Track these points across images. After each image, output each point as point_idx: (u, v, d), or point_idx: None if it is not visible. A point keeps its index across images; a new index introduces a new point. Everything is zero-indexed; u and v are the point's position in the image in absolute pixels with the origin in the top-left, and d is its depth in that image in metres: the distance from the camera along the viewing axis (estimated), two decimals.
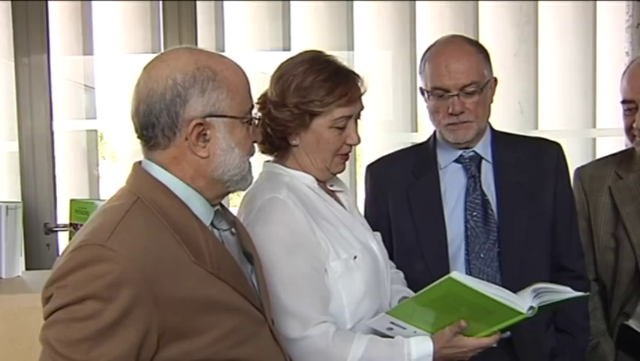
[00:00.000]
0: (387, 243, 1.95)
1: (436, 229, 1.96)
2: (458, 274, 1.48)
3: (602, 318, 2.18)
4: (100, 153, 3.45)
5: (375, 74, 2.94)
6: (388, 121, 3.02)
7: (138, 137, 1.37)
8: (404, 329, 1.64)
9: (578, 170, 2.23)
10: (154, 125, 1.32)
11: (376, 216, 2.01)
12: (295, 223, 1.63)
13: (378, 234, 1.88)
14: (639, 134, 1.96)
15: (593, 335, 2.14)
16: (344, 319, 1.67)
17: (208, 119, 1.32)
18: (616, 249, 2.10)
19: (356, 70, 1.75)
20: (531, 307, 1.52)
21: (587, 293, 1.74)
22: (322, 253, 1.64)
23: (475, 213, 1.94)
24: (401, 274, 1.96)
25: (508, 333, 1.85)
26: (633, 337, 2.09)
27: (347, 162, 1.86)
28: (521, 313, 1.52)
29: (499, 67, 2.12)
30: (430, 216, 1.97)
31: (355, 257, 1.68)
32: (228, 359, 1.31)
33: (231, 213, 1.56)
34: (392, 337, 1.65)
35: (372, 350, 1.61)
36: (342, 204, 1.81)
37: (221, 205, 1.50)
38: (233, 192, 1.44)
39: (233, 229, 1.49)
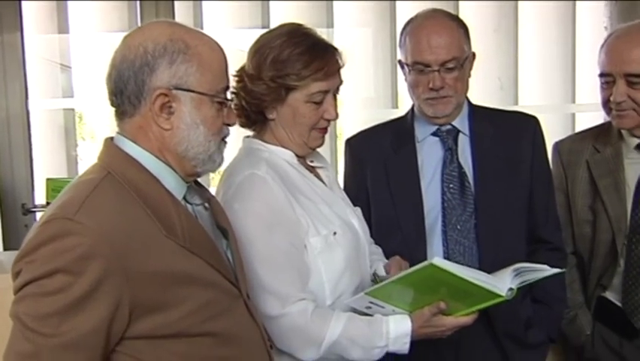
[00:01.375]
0: (366, 216, 1.94)
1: (413, 201, 1.96)
2: (439, 260, 1.48)
3: (580, 290, 2.19)
4: (80, 133, 3.42)
5: (356, 51, 2.92)
6: (369, 98, 3.02)
7: (110, 104, 1.37)
8: (383, 308, 1.64)
9: (557, 144, 2.23)
10: (122, 91, 1.32)
11: (355, 190, 2.01)
12: (274, 200, 1.62)
13: (358, 209, 1.88)
14: (616, 108, 1.97)
15: (571, 307, 2.16)
16: (324, 295, 1.67)
17: (174, 91, 1.31)
18: (593, 222, 2.11)
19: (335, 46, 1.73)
20: (510, 289, 1.52)
21: (564, 270, 1.75)
22: (301, 229, 1.63)
23: (451, 186, 1.95)
24: (380, 250, 1.96)
25: None
26: (610, 308, 2.10)
27: (328, 139, 1.86)
28: (500, 296, 1.52)
29: (479, 43, 2.12)
30: (407, 188, 1.97)
31: (335, 233, 1.68)
32: (201, 332, 1.30)
33: (207, 190, 1.55)
34: (371, 315, 1.65)
35: (351, 328, 1.61)
36: (322, 180, 1.80)
37: (197, 182, 1.49)
38: (202, 172, 1.42)
39: (206, 204, 1.48)
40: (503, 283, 1.53)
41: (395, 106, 2.93)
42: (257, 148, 1.73)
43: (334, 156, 2.88)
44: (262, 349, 1.46)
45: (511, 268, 1.57)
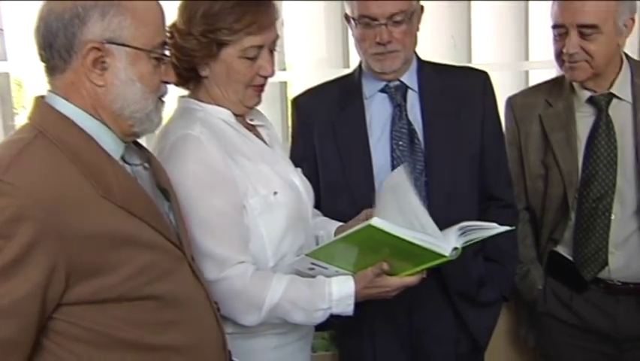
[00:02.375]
0: (314, 176, 1.95)
1: (361, 160, 1.96)
2: (378, 221, 1.46)
3: (532, 246, 2.24)
4: (19, 102, 3.32)
5: (306, 11, 2.88)
6: (320, 58, 2.99)
7: (40, 59, 1.33)
8: (325, 269, 1.64)
9: (510, 99, 2.26)
10: (51, 45, 1.28)
11: (303, 150, 2.01)
12: (209, 160, 1.59)
13: (299, 169, 1.87)
14: (569, 60, 1.99)
15: (524, 262, 2.21)
16: (266, 257, 1.66)
17: (107, 45, 1.28)
18: (545, 176, 2.15)
19: (285, 8, 1.69)
20: (455, 249, 1.53)
21: (514, 227, 1.76)
22: (239, 190, 1.62)
23: (401, 143, 1.95)
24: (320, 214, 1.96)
25: None
26: (561, 262, 2.16)
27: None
28: (444, 256, 1.52)
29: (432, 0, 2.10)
30: (356, 146, 1.98)
31: (275, 193, 1.67)
32: (143, 295, 1.30)
33: (146, 150, 1.53)
34: (314, 277, 1.65)
35: (292, 291, 1.61)
36: (262, 139, 1.78)
37: (136, 142, 1.47)
38: (140, 132, 1.39)
39: (146, 164, 1.46)
40: (447, 242, 1.53)
41: (347, 66, 2.90)
42: (192, 108, 1.70)
43: (285, 118, 2.86)
44: (209, 311, 1.46)
45: (457, 226, 1.57)
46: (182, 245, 1.42)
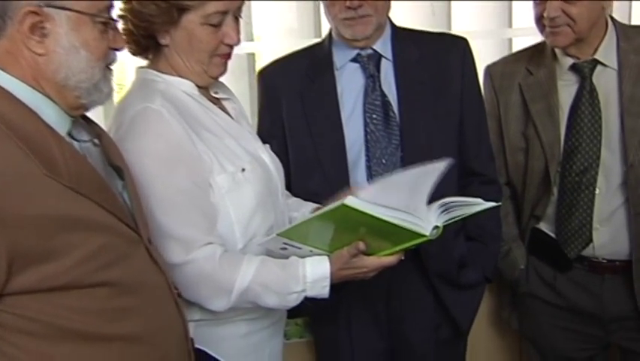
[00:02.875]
0: (283, 154, 1.91)
1: (333, 135, 1.93)
2: (352, 200, 1.42)
3: (514, 223, 2.23)
4: None
5: None
6: (290, 29, 2.95)
7: None
8: (299, 249, 1.61)
9: (488, 67, 2.23)
10: None
11: (270, 126, 1.97)
12: (172, 135, 1.55)
13: (267, 145, 1.83)
14: (549, 24, 1.95)
15: (505, 240, 2.19)
16: (234, 238, 1.63)
17: (46, 9, 1.21)
18: (526, 149, 2.13)
19: None
20: (435, 227, 1.50)
21: (499, 203, 1.73)
22: (205, 167, 1.58)
23: (374, 116, 1.92)
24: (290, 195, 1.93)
25: None
26: (544, 240, 2.14)
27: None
28: (424, 236, 1.50)
29: None
30: (327, 121, 1.94)
31: (243, 170, 1.63)
32: (95, 282, 1.24)
33: (97, 125, 1.46)
34: (287, 257, 1.62)
35: (264, 273, 1.58)
36: (228, 113, 1.74)
37: (85, 117, 1.41)
38: (89, 104, 1.34)
39: (95, 140, 1.40)
40: (427, 221, 1.50)
41: (318, 36, 2.85)
42: (151, 79, 1.64)
43: (253, 93, 2.82)
44: (168, 297, 1.42)
45: (438, 203, 1.54)
46: (138, 227, 1.37)
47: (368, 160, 1.92)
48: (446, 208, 1.53)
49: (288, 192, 1.90)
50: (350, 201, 1.41)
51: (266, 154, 1.75)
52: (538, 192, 2.12)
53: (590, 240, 2.05)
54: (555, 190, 2.08)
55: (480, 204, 1.57)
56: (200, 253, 1.56)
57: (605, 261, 2.08)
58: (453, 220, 1.54)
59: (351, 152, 1.93)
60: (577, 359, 2.24)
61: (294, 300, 1.61)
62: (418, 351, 2.05)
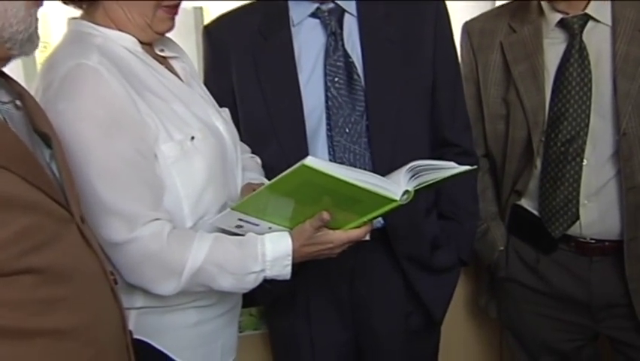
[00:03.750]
0: (234, 122, 1.84)
1: (289, 100, 1.88)
2: (313, 160, 1.38)
3: (493, 199, 2.20)
4: None
5: None
6: None
7: None
8: (257, 225, 1.57)
9: (466, 24, 2.18)
10: None
11: (217, 90, 1.88)
12: (112, 97, 1.47)
13: (225, 110, 1.79)
14: None
15: (483, 219, 2.16)
16: (182, 215, 1.57)
17: None
18: (507, 116, 2.09)
19: None
20: (406, 192, 1.46)
21: (475, 166, 1.70)
22: (150, 133, 1.51)
23: (337, 79, 1.88)
24: (257, 160, 1.89)
25: (381, 222, 1.83)
26: (525, 218, 2.11)
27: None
28: (394, 201, 1.46)
29: None
30: (282, 84, 1.89)
31: (193, 138, 1.57)
32: (19, 269, 1.18)
33: (18, 84, 1.38)
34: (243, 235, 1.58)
35: (218, 251, 1.54)
36: (177, 74, 1.68)
37: (3, 74, 1.33)
38: (18, 56, 1.27)
39: (17, 102, 1.32)
40: (397, 185, 1.47)
41: None
42: (86, 32, 1.56)
43: (201, 53, 2.79)
44: (103, 285, 1.36)
45: (407, 167, 1.50)
46: (69, 203, 1.30)
47: (329, 129, 1.88)
48: (416, 173, 1.51)
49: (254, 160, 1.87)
50: (310, 161, 1.38)
51: (220, 121, 1.70)
52: (519, 164, 2.08)
53: (577, 217, 2.01)
54: (538, 162, 2.04)
55: (453, 168, 1.55)
56: (146, 230, 1.50)
57: (593, 241, 2.04)
58: (424, 185, 1.51)
59: (310, 120, 1.88)
60: (563, 350, 2.21)
61: (252, 281, 1.57)
62: (386, 342, 2.02)
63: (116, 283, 1.43)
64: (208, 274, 1.55)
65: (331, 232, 1.56)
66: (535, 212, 2.09)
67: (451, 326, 2.28)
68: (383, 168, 1.81)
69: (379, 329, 2.02)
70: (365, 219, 1.54)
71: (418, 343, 2.08)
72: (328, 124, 1.89)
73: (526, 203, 2.12)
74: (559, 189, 2.01)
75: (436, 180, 1.54)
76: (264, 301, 2.08)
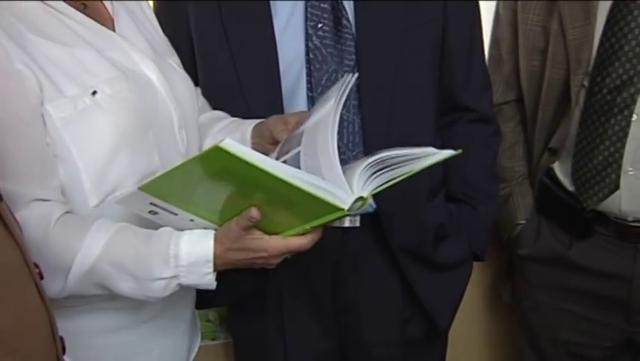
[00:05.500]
0: (193, 77, 1.82)
1: (261, 53, 1.85)
2: (230, 143, 1.28)
3: (523, 158, 2.18)
4: None
5: None
6: None
7: None
8: (175, 215, 1.49)
9: None
10: None
11: (171, 37, 1.85)
12: None
13: (175, 58, 1.78)
14: None
15: (507, 180, 2.13)
16: (82, 190, 1.53)
17: None
18: (544, 50, 2.00)
19: None
20: (360, 199, 1.35)
21: (460, 151, 1.51)
22: (28, 89, 1.47)
23: (320, 25, 1.84)
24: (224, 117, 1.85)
25: (373, 205, 1.81)
26: (557, 194, 2.08)
27: None
28: (340, 209, 1.35)
29: None
30: (252, 31, 1.86)
31: (95, 93, 1.52)
32: None
33: None
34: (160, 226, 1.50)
35: (118, 247, 1.48)
36: (105, 12, 1.63)
37: None
38: None
39: None
40: (348, 188, 1.37)
41: None
42: None
43: None
44: (27, 279, 1.33)
45: (366, 162, 1.39)
46: None
47: (310, 89, 1.85)
48: (380, 168, 1.40)
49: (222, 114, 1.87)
50: (227, 144, 1.28)
51: (152, 68, 1.65)
52: (556, 113, 2.02)
53: (617, 186, 1.93)
54: (577, 113, 1.96)
55: (431, 156, 1.41)
56: (29, 213, 1.46)
57: (637, 224, 1.96)
58: (389, 185, 1.40)
59: (287, 77, 1.85)
60: (584, 357, 2.16)
61: (160, 290, 1.51)
62: (377, 355, 2.00)
63: (41, 277, 1.39)
64: (104, 275, 1.51)
65: (266, 237, 1.49)
66: (570, 186, 2.02)
67: (461, 332, 2.29)
68: (377, 138, 1.84)
69: (370, 339, 2.00)
70: (308, 226, 1.46)
71: (418, 355, 2.06)
72: (309, 82, 1.86)
73: (560, 170, 2.06)
74: (597, 149, 1.95)
75: (407, 175, 1.41)
76: (224, 301, 2.06)
